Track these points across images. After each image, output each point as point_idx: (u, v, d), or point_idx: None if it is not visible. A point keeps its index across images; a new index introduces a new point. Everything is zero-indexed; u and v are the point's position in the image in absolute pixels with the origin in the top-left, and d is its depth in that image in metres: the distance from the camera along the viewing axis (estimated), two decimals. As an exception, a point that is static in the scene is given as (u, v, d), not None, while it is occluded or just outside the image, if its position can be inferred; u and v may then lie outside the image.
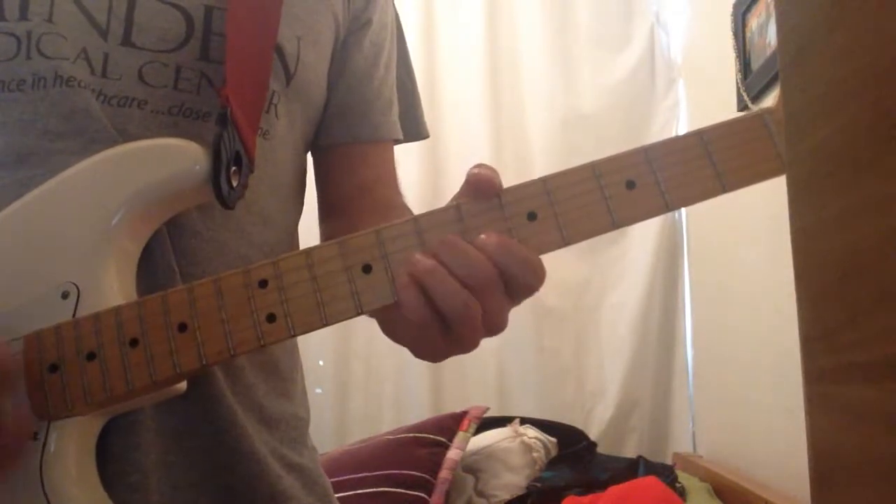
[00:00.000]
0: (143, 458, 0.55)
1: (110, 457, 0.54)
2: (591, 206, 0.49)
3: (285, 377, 0.67)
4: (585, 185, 0.49)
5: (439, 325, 0.48)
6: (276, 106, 0.64)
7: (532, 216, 0.49)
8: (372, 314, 0.55)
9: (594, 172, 0.49)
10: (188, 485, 0.58)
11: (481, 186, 0.49)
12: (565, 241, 0.49)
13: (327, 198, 0.76)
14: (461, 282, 0.46)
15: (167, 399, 0.54)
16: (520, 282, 0.48)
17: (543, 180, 0.49)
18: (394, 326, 0.59)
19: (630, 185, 0.49)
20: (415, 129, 0.82)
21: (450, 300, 0.46)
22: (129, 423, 0.55)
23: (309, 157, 0.75)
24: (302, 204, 0.73)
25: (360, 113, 0.73)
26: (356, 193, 0.74)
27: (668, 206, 0.49)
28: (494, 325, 0.49)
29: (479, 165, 0.50)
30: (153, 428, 0.56)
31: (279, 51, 0.63)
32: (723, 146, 0.49)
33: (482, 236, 0.48)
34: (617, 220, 0.49)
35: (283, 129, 0.66)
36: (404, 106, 0.80)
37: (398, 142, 0.79)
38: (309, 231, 0.76)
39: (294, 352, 0.71)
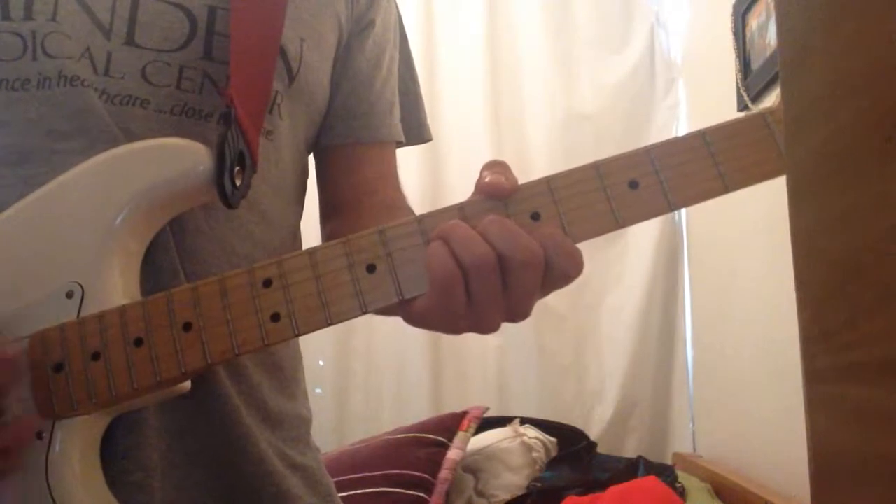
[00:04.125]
0: (146, 457, 0.55)
1: (114, 455, 0.54)
2: (594, 206, 0.49)
3: (288, 377, 0.67)
4: (589, 184, 0.49)
5: (463, 289, 0.47)
6: (279, 106, 0.64)
7: (536, 216, 0.49)
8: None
9: (597, 172, 0.49)
10: (192, 484, 0.58)
11: (493, 193, 0.49)
12: None
13: (329, 198, 0.76)
14: (496, 251, 0.46)
15: (171, 398, 0.54)
16: (559, 272, 0.47)
17: (547, 180, 0.49)
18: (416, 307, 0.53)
19: (633, 185, 0.49)
20: (417, 132, 0.82)
21: (477, 251, 0.46)
22: (133, 422, 0.55)
23: (311, 158, 0.75)
24: (303, 205, 0.73)
25: (362, 114, 0.73)
26: (358, 194, 0.74)
27: (671, 206, 0.49)
28: (519, 310, 0.48)
29: (491, 165, 0.50)
30: (157, 427, 0.56)
31: (282, 52, 0.63)
32: (725, 146, 0.49)
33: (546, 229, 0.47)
34: (620, 219, 0.49)
35: (286, 129, 0.66)
36: (407, 108, 0.80)
37: (400, 144, 0.79)
38: (311, 233, 0.76)
39: (297, 352, 0.71)
